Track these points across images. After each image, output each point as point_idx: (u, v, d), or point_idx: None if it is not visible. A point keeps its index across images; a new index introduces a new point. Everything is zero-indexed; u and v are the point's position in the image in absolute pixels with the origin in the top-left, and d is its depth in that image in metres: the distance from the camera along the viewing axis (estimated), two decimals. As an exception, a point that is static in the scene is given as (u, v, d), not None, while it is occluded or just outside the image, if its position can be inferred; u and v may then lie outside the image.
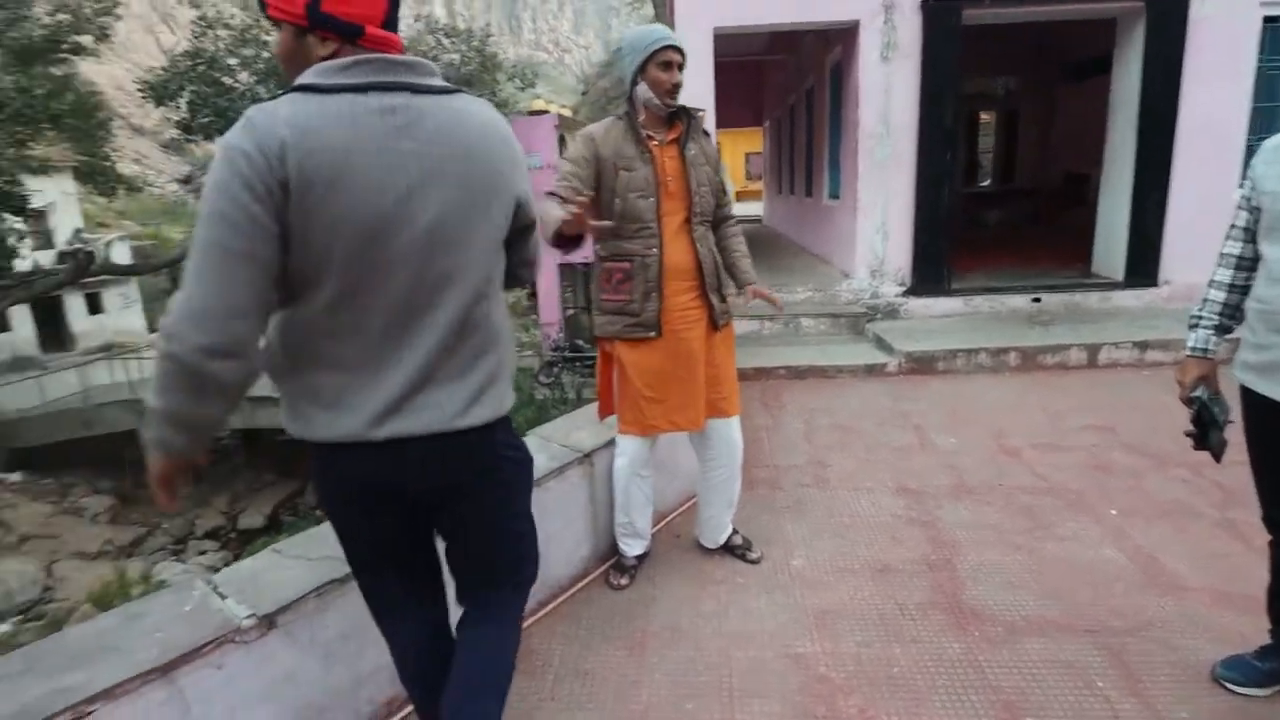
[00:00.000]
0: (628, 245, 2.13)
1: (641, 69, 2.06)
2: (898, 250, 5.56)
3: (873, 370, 4.56)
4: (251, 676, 1.50)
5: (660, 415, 2.22)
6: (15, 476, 13.07)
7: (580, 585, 2.36)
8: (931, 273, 5.52)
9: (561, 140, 15.05)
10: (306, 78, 1.10)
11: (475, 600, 1.41)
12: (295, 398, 1.22)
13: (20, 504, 12.30)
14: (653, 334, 2.15)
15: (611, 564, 2.44)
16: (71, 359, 18.27)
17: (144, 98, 14.49)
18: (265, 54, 14.41)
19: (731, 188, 2.31)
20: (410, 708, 1.77)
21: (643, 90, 2.08)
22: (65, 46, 14.33)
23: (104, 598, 9.35)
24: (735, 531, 2.53)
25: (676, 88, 2.08)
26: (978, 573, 2.34)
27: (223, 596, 1.59)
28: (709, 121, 4.11)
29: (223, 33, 14.49)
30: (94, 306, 22.02)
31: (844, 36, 5.84)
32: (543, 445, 2.43)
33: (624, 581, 2.36)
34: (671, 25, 5.56)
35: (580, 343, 13.32)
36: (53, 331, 20.84)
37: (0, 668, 1.37)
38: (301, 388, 1.20)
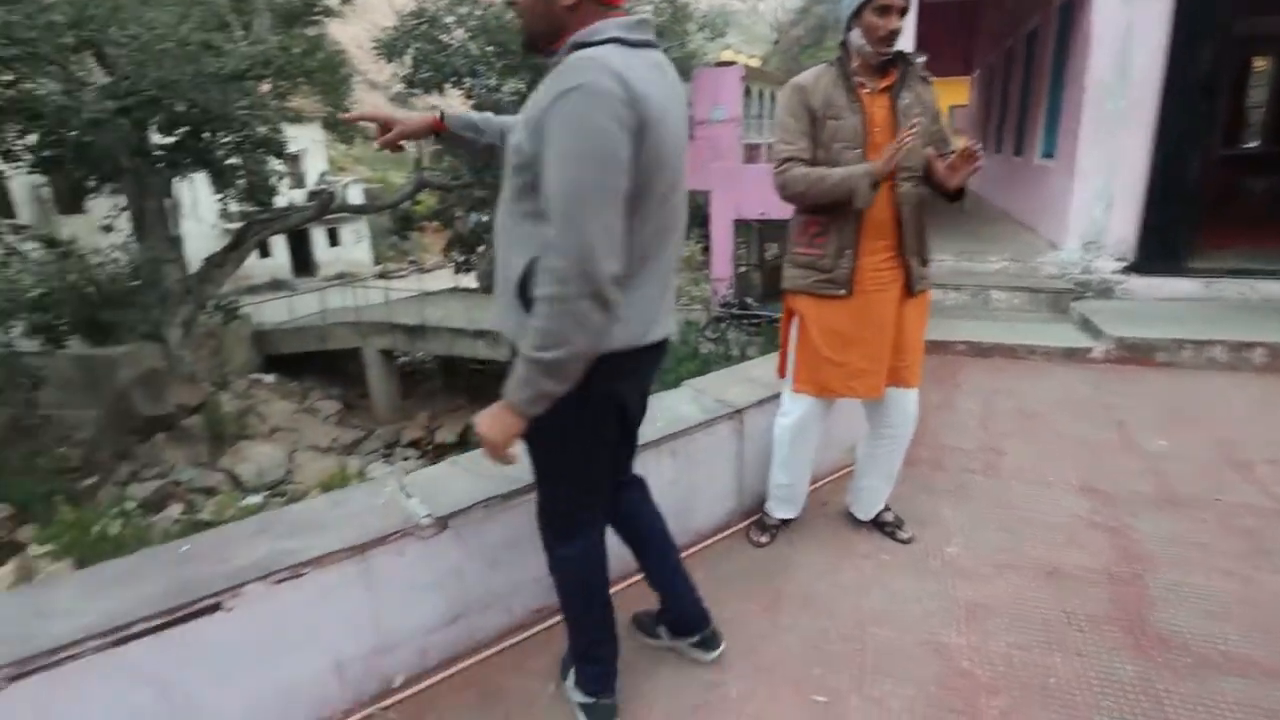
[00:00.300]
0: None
1: (857, 13, 1.93)
2: (1122, 220, 4.82)
3: (1073, 355, 4.05)
4: (425, 567, 1.74)
5: (838, 379, 2.14)
6: (269, 378, 15.75)
7: (719, 538, 2.41)
8: (1163, 248, 4.73)
9: (747, 92, 14.62)
10: (615, 31, 1.23)
11: (628, 471, 1.73)
12: None
13: (272, 401, 14.85)
14: (843, 292, 2.06)
15: (755, 520, 2.45)
16: (314, 284, 21.43)
17: (377, 55, 16.18)
18: (478, 11, 15.41)
19: (950, 140, 2.08)
20: (554, 619, 1.95)
21: (855, 36, 1.96)
22: (317, 9, 16.37)
23: (328, 486, 11.09)
24: (888, 508, 2.43)
25: (893, 35, 1.93)
26: (1172, 594, 2.07)
27: (408, 496, 1.84)
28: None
29: (443, -8, 15.66)
30: (333, 240, 25.52)
31: (1081, -29, 5.04)
32: (695, 397, 2.48)
33: (764, 539, 2.37)
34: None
35: (749, 300, 13.16)
36: (301, 259, 24.53)
37: (243, 529, 1.72)
38: None
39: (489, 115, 1.61)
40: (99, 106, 9.98)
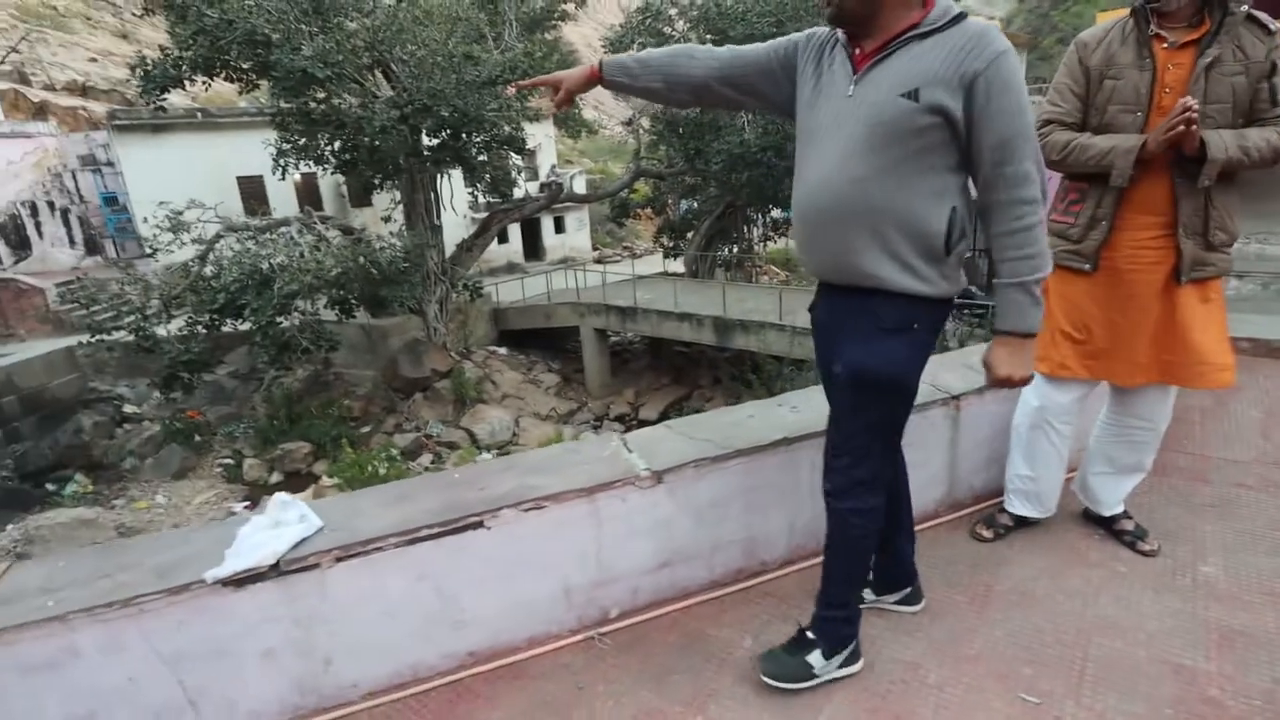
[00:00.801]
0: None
1: None
2: None
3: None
4: (642, 514, 1.95)
5: (1075, 357, 2.00)
6: (502, 350, 17.70)
7: (924, 526, 2.34)
8: None
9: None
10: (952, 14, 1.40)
11: None
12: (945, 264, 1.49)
13: (504, 371, 16.68)
14: (1087, 266, 1.92)
15: (984, 516, 2.32)
16: (541, 267, 23.54)
17: (605, 51, 17.26)
18: (699, 1, 15.73)
19: None
20: (751, 581, 2.08)
21: None
22: (556, 15, 17.82)
23: (547, 446, 12.29)
24: (1127, 515, 2.20)
25: None
26: None
27: (630, 451, 2.07)
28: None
29: (666, -15, 16.21)
30: (558, 227, 27.74)
31: None
32: (907, 382, 2.43)
33: (988, 534, 2.24)
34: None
35: (974, 289, 12.02)
36: (531, 245, 27.01)
37: (495, 466, 2.06)
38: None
39: (646, 56, 1.65)
40: (386, 116, 11.89)
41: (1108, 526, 2.21)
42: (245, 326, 12.50)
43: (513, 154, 15.34)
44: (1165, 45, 1.77)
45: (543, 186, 21.38)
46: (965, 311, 11.38)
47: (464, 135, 13.22)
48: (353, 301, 13.30)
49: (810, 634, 1.72)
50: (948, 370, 2.50)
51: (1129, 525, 2.18)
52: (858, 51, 1.45)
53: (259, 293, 11.84)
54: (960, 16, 1.39)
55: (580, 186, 27.05)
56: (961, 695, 1.68)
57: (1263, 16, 1.73)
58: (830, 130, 1.46)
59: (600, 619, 2.01)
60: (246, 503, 12.52)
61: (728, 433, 2.12)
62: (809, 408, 2.24)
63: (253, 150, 15.91)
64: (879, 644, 1.84)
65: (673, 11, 16.32)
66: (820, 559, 2.15)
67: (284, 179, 14.09)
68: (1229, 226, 1.84)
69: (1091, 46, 1.88)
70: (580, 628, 1.98)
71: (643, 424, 15.32)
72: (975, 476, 2.43)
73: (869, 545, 1.69)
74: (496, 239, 21.91)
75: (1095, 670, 1.72)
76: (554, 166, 26.75)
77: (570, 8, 18.26)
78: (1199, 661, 1.72)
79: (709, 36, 15.24)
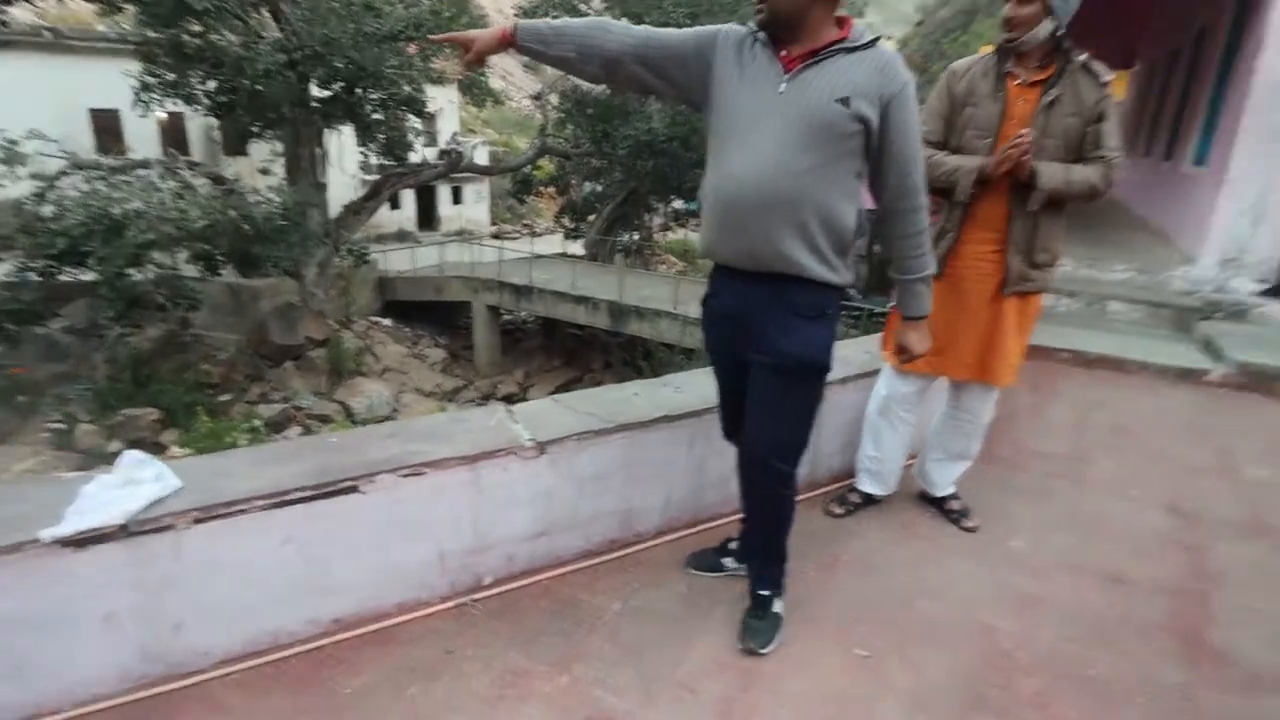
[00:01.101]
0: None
1: None
2: (1270, 240, 4.45)
3: (1187, 376, 3.84)
4: (523, 484, 2.00)
5: None
6: (387, 322, 16.98)
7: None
8: (1317, 274, 4.35)
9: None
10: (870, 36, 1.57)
11: None
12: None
13: (387, 343, 16.02)
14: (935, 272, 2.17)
15: (836, 495, 2.54)
16: (435, 238, 22.70)
17: (517, 18, 16.75)
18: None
19: (1112, 143, 2.04)
20: (624, 550, 2.19)
21: None
22: (465, -26, 17.10)
23: (430, 428, 11.96)
24: (955, 496, 2.50)
25: (1007, 22, 1.98)
26: (1238, 616, 2.04)
27: (515, 421, 2.11)
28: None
29: (583, -36, 15.98)
30: (456, 198, 26.80)
31: (1262, -36, 4.62)
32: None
33: (839, 511, 2.46)
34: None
35: (852, 291, 12.85)
36: (426, 214, 25.94)
37: (378, 431, 2.04)
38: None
39: (562, 25, 1.66)
40: (272, 59, 11.02)
41: (939, 506, 2.50)
42: (89, 277, 11.24)
43: (411, 116, 14.65)
44: (1017, 82, 2.04)
45: (442, 154, 20.60)
46: (843, 314, 12.14)
47: (359, 90, 12.49)
48: (219, 258, 12.25)
49: (766, 592, 1.91)
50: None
51: (956, 505, 2.47)
52: (784, 54, 1.57)
53: (107, 240, 10.66)
54: (875, 40, 1.56)
55: (482, 157, 26.24)
56: (803, 650, 1.87)
57: (1098, 67, 2.02)
58: (759, 122, 1.56)
59: (474, 586, 2.04)
60: (78, 473, 11.32)
61: (613, 408, 2.20)
62: (692, 389, 2.37)
63: (111, 81, 14.19)
64: (737, 607, 1.99)
65: (588, -9, 16.16)
66: (690, 531, 2.32)
67: (145, 116, 12.73)
68: (1052, 248, 2.13)
69: (960, 75, 2.13)
70: (453, 594, 2.00)
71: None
72: (833, 459, 2.66)
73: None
74: (388, 204, 20.87)
75: (919, 629, 1.96)
76: (455, 134, 25.76)
77: (479, -31, 17.63)
78: (1001, 622, 2.00)
79: (624, 19, 15.16)
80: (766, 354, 1.69)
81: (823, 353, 1.71)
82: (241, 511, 1.68)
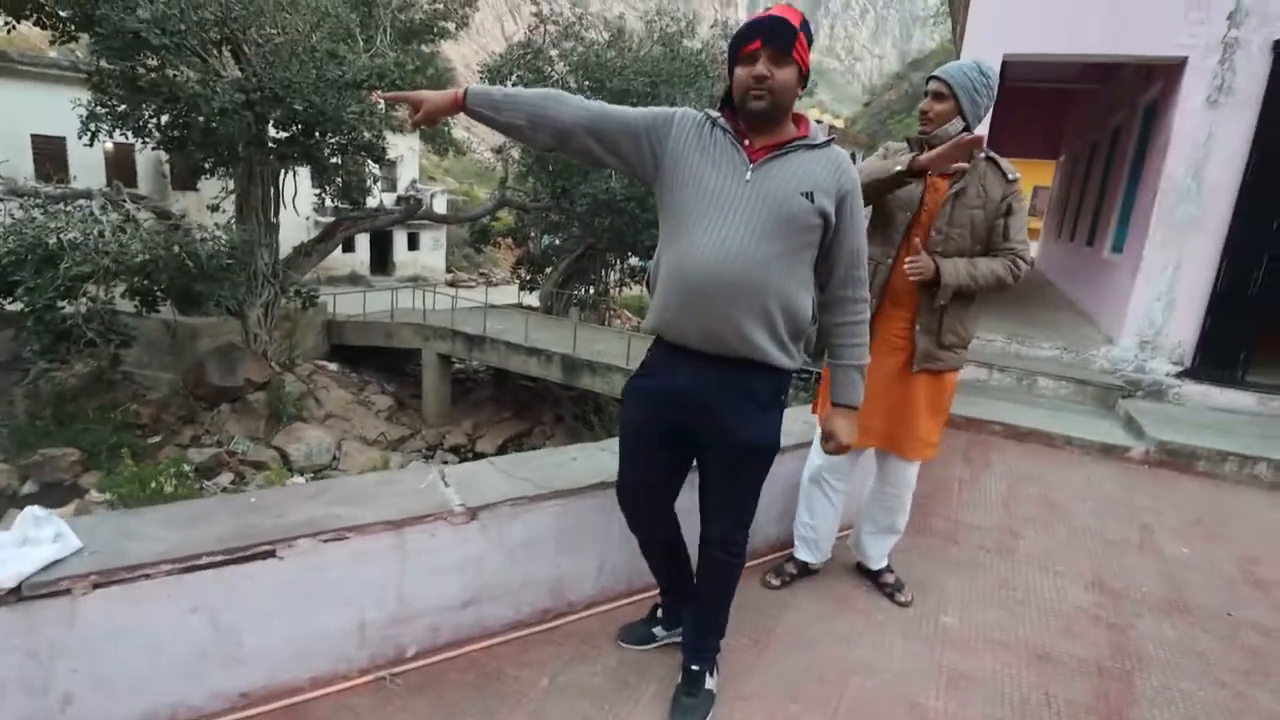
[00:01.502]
0: (871, 248, 2.19)
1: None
2: (1181, 324, 4.77)
3: (1110, 452, 4.03)
4: (452, 550, 1.93)
5: None
6: (333, 366, 16.54)
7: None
8: (1222, 357, 4.65)
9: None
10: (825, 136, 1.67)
11: None
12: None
13: (331, 388, 15.56)
14: None
15: (773, 565, 2.53)
16: (388, 283, 22.45)
17: (481, 78, 17.18)
18: (580, 48, 16.20)
19: (1019, 237, 2.19)
20: (557, 621, 2.12)
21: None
22: (435, 30, 17.51)
23: (370, 477, 11.55)
24: (890, 569, 2.52)
25: (922, 115, 2.17)
26: (1159, 696, 2.09)
27: (446, 484, 2.06)
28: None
29: (551, 28, 16.55)
30: (412, 244, 26.69)
31: (1166, 73, 5.09)
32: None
33: (776, 583, 2.45)
34: (958, 49, 5.29)
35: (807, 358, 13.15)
36: (381, 258, 25.73)
37: (302, 491, 1.96)
38: None
39: (515, 93, 1.67)
40: (229, 98, 10.93)
41: (874, 579, 2.52)
42: (15, 307, 10.70)
43: (370, 161, 14.67)
44: (932, 172, 2.17)
45: (400, 200, 20.62)
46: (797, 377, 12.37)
47: (317, 134, 12.46)
48: (159, 294, 11.84)
49: (698, 667, 1.88)
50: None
51: (890, 579, 2.49)
52: (747, 143, 1.63)
53: (39, 270, 10.22)
54: (830, 140, 1.67)
55: (441, 206, 26.33)
56: (735, 732, 1.82)
57: (1004, 164, 2.18)
58: (726, 207, 1.59)
59: (395, 658, 1.94)
60: (-17, 515, 10.52)
61: (549, 473, 2.17)
62: (629, 454, 2.34)
63: (57, 107, 13.88)
64: (669, 684, 1.94)
65: (554, 53, 16.66)
66: (625, 601, 2.27)
67: (92, 145, 12.41)
68: (960, 331, 2.23)
69: (892, 153, 2.28)
70: (372, 667, 1.90)
71: (479, 457, 14.89)
72: (771, 528, 2.66)
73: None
74: (341, 247, 20.63)
75: (848, 706, 1.94)
76: (414, 181, 25.86)
77: (451, 26, 18.04)
78: (930, 699, 1.99)
79: (586, 83, 15.70)
80: (727, 442, 1.71)
81: (776, 437, 1.75)
82: (145, 576, 1.58)
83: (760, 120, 1.60)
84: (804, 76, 1.59)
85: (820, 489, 2.42)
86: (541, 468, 2.21)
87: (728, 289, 1.58)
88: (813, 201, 1.58)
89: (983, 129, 5.05)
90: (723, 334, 1.62)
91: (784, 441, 2.59)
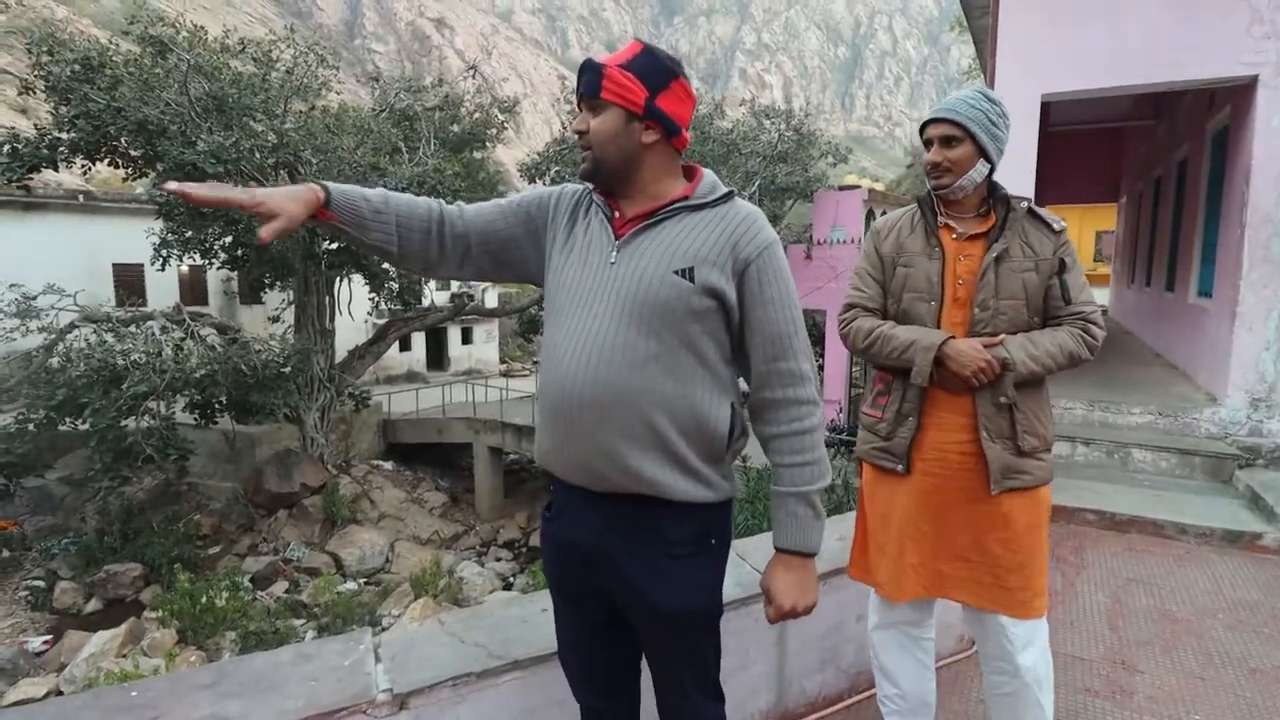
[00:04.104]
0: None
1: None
2: (1303, 377, 4.05)
3: (1236, 540, 3.30)
4: (371, 754, 1.52)
5: (886, 571, 1.74)
6: (387, 465, 16.58)
7: (751, 741, 2.01)
8: (1364, 414, 3.89)
9: (870, 215, 14.52)
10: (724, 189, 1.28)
11: None
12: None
13: (386, 488, 15.52)
14: (899, 468, 1.71)
15: None
16: (444, 378, 22.82)
17: (522, 176, 17.85)
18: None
19: (1084, 297, 1.65)
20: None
21: None
22: (481, 139, 18.45)
23: (419, 581, 11.21)
24: None
25: (933, 168, 1.68)
26: None
27: (378, 659, 1.66)
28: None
29: (583, 123, 17.18)
30: (465, 338, 27.31)
31: (1233, 96, 4.57)
32: (735, 565, 2.16)
33: None
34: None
35: (839, 418, 12.39)
36: (436, 354, 26.34)
37: (197, 678, 1.59)
38: None
39: (397, 200, 1.28)
40: (283, 217, 11.51)
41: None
42: (85, 427, 11.16)
43: (418, 264, 15.14)
44: (955, 235, 1.71)
45: (453, 297, 21.22)
46: (853, 450, 11.62)
47: (365, 243, 12.94)
48: (217, 406, 12.20)
49: None
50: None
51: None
52: (617, 215, 1.27)
53: (106, 391, 10.67)
54: (730, 195, 1.26)
55: (492, 299, 27.01)
56: None
57: (1045, 214, 1.69)
58: (587, 302, 1.23)
59: None
60: (48, 637, 10.61)
61: (511, 633, 1.75)
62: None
63: (135, 237, 14.98)
64: None
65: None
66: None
67: (163, 270, 13.22)
68: (1039, 430, 1.66)
69: (884, 234, 1.81)
70: None
71: (533, 550, 14.42)
72: (808, 679, 2.13)
73: None
74: (399, 346, 21.16)
75: None
76: (466, 278, 26.71)
77: (493, 133, 18.91)
78: None
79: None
80: (639, 608, 1.27)
81: (709, 599, 1.29)
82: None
83: (604, 182, 1.26)
84: (655, 118, 1.20)
85: (897, 643, 1.84)
86: (502, 625, 1.79)
87: (591, 407, 1.19)
88: (692, 280, 1.19)
89: (1024, 174, 4.61)
90: (597, 466, 1.22)
91: (736, 590, 2.06)
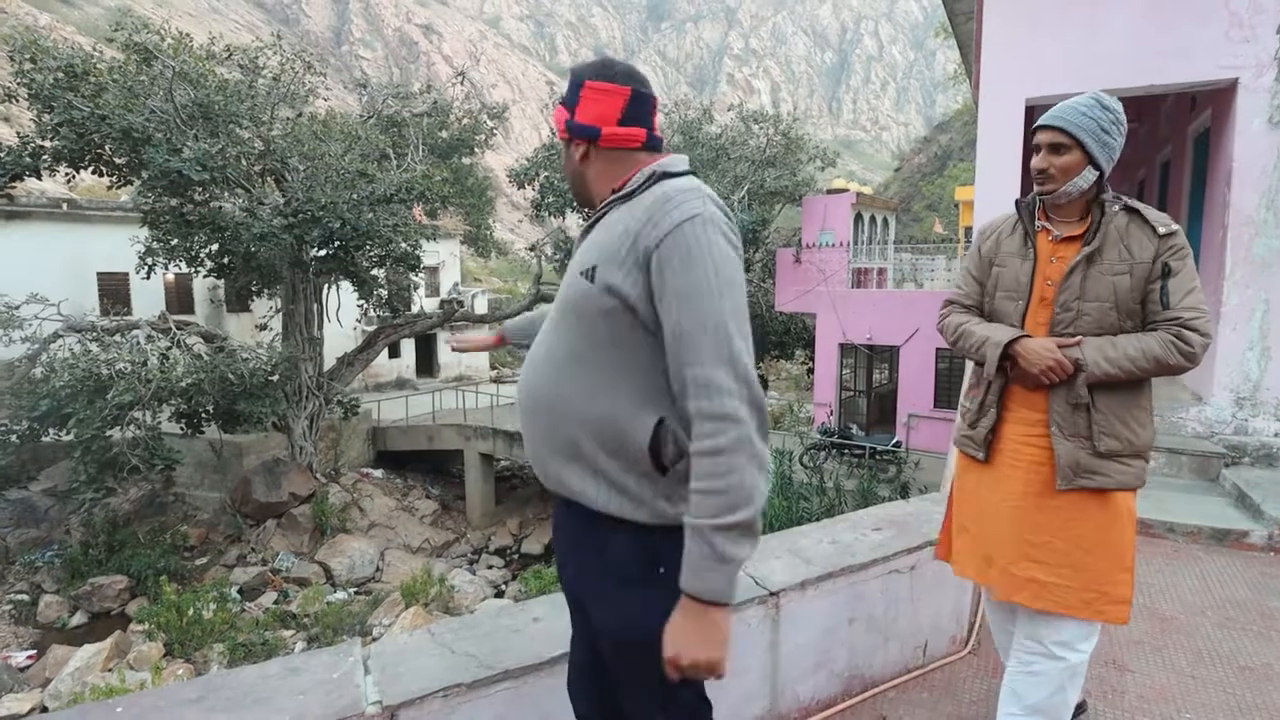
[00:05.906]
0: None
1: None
2: (1286, 376, 4.10)
3: (1224, 539, 3.33)
4: (361, 768, 1.50)
5: (967, 555, 1.86)
6: (377, 473, 16.47)
7: (745, 747, 2.00)
8: (1347, 412, 3.94)
9: (858, 218, 14.61)
10: (682, 166, 1.20)
11: None
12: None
13: (376, 496, 15.41)
14: (980, 455, 1.79)
15: None
16: (433, 385, 22.72)
17: (510, 182, 17.85)
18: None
19: (1189, 302, 1.58)
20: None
21: None
22: (469, 145, 18.45)
23: (410, 589, 11.13)
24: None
25: (1039, 174, 1.69)
26: None
27: (367, 671, 1.64)
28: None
29: (572, 127, 17.24)
30: (455, 344, 27.27)
31: (1214, 99, 4.64)
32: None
33: None
34: (975, 99, 4.97)
35: (852, 428, 12.44)
36: (425, 361, 26.22)
37: (183, 692, 1.57)
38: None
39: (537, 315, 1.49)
40: (270, 223, 11.42)
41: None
42: (69, 438, 11.02)
43: (410, 271, 15.08)
44: (1051, 238, 1.73)
45: (442, 304, 21.17)
46: (844, 452, 11.66)
47: (354, 249, 12.87)
48: (203, 415, 12.08)
49: None
50: (767, 558, 2.25)
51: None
52: None
53: (90, 401, 10.54)
54: (662, 176, 1.16)
55: (482, 305, 26.92)
56: None
57: (1152, 217, 1.65)
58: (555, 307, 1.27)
59: None
60: (32, 651, 10.46)
61: (501, 643, 1.74)
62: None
63: (120, 245, 14.83)
64: None
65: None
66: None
67: (149, 278, 13.09)
68: (1122, 433, 1.62)
69: (986, 234, 1.86)
70: None
71: (525, 558, 14.36)
72: (801, 685, 2.12)
73: None
74: (388, 353, 21.03)
75: None
76: (457, 284, 26.62)
77: (481, 139, 18.91)
78: None
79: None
80: (593, 624, 1.26)
81: (643, 629, 1.12)
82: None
83: (583, 205, 1.32)
84: (576, 134, 1.21)
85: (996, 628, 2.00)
86: (493, 635, 1.78)
87: (528, 413, 1.23)
88: (593, 280, 1.11)
89: (1008, 177, 4.64)
90: (542, 470, 1.24)
91: (804, 573, 2.12)
